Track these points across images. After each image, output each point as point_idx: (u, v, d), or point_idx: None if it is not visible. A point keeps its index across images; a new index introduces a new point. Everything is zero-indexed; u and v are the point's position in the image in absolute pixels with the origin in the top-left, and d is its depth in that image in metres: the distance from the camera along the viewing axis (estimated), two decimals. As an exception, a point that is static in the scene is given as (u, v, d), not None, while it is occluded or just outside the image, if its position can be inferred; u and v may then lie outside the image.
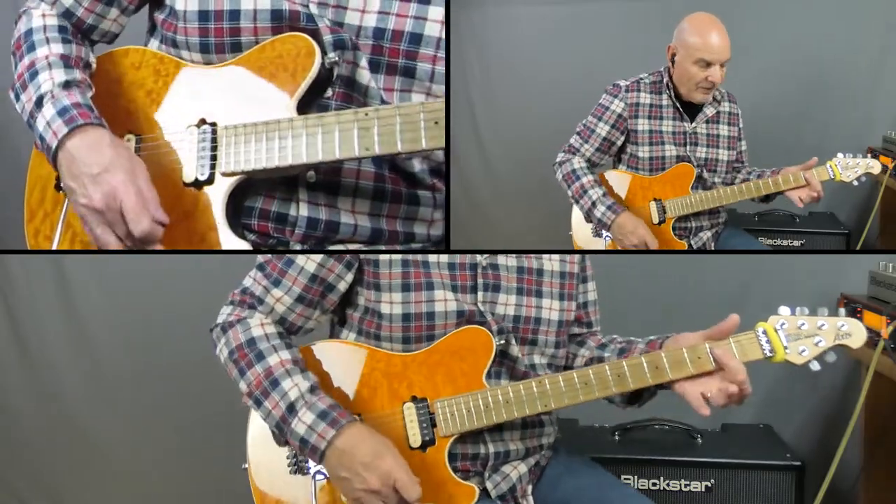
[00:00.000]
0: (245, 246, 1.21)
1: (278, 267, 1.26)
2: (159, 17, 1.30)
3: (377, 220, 1.28)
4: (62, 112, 1.16)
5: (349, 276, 1.26)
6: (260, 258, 1.29)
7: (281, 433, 1.19)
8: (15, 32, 1.29)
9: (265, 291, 1.26)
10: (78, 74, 1.23)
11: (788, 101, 2.84)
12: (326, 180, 1.24)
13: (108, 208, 1.14)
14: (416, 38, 1.22)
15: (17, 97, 1.23)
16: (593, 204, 2.02)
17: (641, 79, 2.09)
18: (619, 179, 2.10)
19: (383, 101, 1.23)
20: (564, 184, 2.09)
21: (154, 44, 1.32)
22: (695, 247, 2.09)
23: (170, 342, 2.32)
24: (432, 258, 1.26)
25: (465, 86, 3.06)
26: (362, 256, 1.26)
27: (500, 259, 1.30)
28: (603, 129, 2.07)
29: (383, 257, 1.25)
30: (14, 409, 2.39)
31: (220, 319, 1.29)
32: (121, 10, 1.33)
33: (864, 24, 2.78)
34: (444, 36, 1.23)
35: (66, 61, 1.23)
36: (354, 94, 1.23)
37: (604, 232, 2.04)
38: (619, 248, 2.05)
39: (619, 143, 2.09)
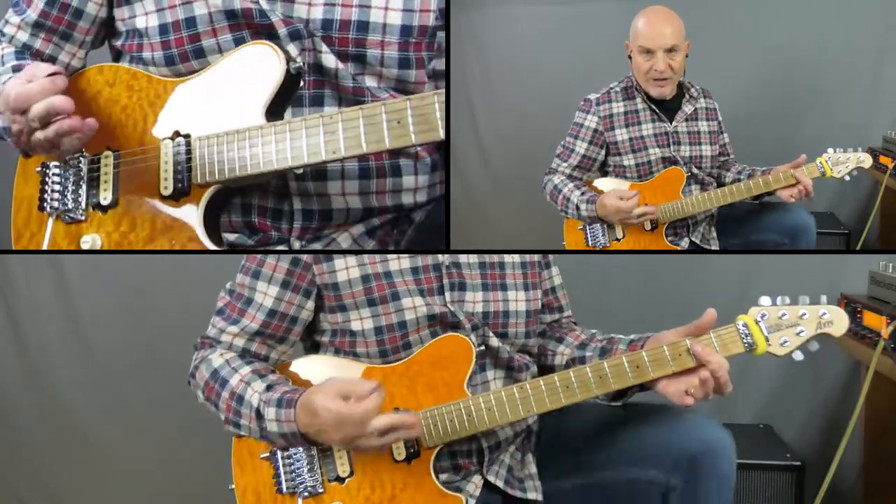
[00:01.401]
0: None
1: (237, 307, 1.27)
2: (117, 43, 1.34)
3: (367, 198, 1.30)
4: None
5: (310, 304, 1.27)
6: (220, 303, 1.30)
7: (267, 440, 1.20)
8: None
9: (219, 332, 1.28)
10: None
11: (788, 101, 2.84)
12: (314, 170, 1.27)
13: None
14: (363, 26, 1.27)
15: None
16: (576, 207, 2.02)
17: (612, 88, 2.07)
18: (608, 186, 2.07)
19: (354, 81, 1.27)
20: (553, 202, 2.09)
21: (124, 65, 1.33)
22: (697, 241, 2.08)
23: (169, 342, 2.31)
24: (393, 266, 1.26)
25: (465, 86, 3.06)
26: (319, 282, 1.25)
27: (462, 258, 1.30)
28: (581, 147, 2.07)
29: (342, 279, 1.24)
30: (14, 409, 2.40)
31: (190, 369, 1.30)
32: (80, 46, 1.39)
33: (862, 24, 2.77)
34: (388, 21, 1.27)
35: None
36: (325, 79, 1.27)
37: (599, 240, 2.03)
38: (620, 249, 2.05)
39: (601, 157, 2.08)
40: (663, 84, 1.98)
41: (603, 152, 2.07)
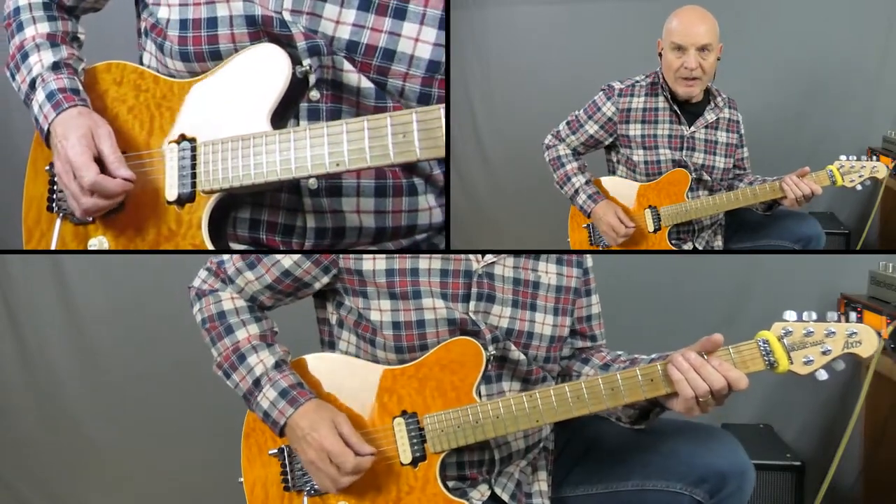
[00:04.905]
0: None
1: (258, 254, 1.28)
2: (149, 20, 1.31)
3: (382, 217, 1.28)
4: (50, 97, 1.24)
5: (325, 279, 1.27)
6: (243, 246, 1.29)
7: (248, 404, 1.25)
8: (5, 8, 1.34)
9: (237, 273, 1.29)
10: (65, 51, 1.29)
11: (789, 101, 2.84)
12: (329, 185, 1.24)
13: (67, 169, 1.20)
14: (389, 55, 1.21)
15: (13, 77, 1.30)
16: (576, 192, 2.05)
17: (637, 81, 2.05)
18: (615, 185, 2.08)
19: (378, 98, 1.22)
20: (550, 167, 2.12)
21: (149, 45, 1.31)
22: (700, 248, 2.07)
23: (170, 342, 2.32)
24: (423, 264, 1.25)
25: (465, 86, 3.06)
26: (342, 265, 1.25)
27: (497, 269, 1.28)
28: (591, 128, 2.07)
29: (367, 267, 1.24)
30: (14, 409, 2.40)
31: (195, 283, 1.33)
32: None
33: (865, 25, 2.77)
34: (417, 53, 1.21)
35: (53, 40, 1.29)
36: (345, 95, 1.23)
37: (603, 240, 2.03)
38: (623, 249, 2.05)
39: (606, 142, 2.09)
40: (692, 84, 1.94)
41: (611, 139, 2.07)
